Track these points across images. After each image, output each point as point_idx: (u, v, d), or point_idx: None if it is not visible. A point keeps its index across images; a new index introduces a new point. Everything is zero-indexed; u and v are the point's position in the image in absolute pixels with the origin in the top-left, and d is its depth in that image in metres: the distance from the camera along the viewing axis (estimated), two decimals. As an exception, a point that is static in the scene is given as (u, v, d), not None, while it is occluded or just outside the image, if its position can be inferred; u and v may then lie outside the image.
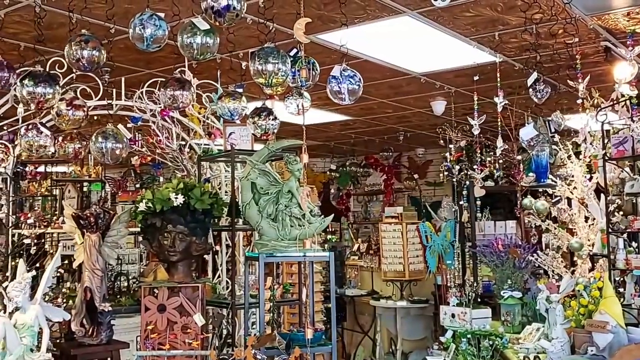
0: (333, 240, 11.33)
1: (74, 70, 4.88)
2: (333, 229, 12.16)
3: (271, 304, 4.75)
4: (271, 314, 4.75)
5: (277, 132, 6.41)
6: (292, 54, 4.37)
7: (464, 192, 6.36)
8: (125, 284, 5.90)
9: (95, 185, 9.07)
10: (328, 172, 13.54)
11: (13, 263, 4.34)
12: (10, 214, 4.64)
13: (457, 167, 6.81)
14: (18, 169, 4.75)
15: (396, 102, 8.50)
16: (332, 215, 4.61)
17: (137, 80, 5.85)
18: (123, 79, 5.33)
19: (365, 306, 8.76)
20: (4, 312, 3.61)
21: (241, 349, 3.76)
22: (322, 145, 12.45)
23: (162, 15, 3.81)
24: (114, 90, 5.44)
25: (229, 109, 4.67)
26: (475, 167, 6.31)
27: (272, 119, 4.56)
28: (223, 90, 4.84)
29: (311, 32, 5.42)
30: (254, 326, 5.08)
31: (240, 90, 4.83)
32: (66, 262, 5.00)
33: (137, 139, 5.50)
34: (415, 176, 12.81)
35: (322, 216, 4.44)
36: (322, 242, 10.50)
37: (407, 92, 7.84)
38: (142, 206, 4.47)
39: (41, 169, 6.12)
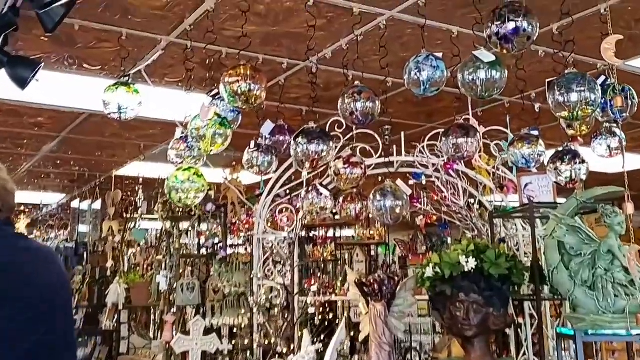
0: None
1: (354, 129, 4.88)
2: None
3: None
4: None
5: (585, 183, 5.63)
6: (599, 82, 3.72)
7: None
8: (418, 358, 5.58)
9: (383, 248, 9.07)
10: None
11: (299, 333, 4.31)
12: (296, 281, 4.68)
13: None
14: (303, 234, 4.76)
15: None
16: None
17: (418, 136, 5.66)
18: (402, 134, 5.17)
19: None
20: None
21: None
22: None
23: (439, 55, 3.53)
24: (394, 147, 5.30)
25: (523, 156, 4.16)
26: None
27: (579, 162, 3.89)
28: (515, 135, 4.33)
29: (618, 57, 4.66)
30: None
31: (536, 132, 4.28)
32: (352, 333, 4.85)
33: (420, 196, 5.24)
34: None
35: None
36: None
37: None
38: (429, 271, 4.11)
39: (329, 233, 6.22)
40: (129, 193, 8.00)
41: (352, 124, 3.62)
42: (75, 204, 9.51)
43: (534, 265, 4.31)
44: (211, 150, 3.49)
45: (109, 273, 8.26)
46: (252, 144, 4.31)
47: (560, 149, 4.09)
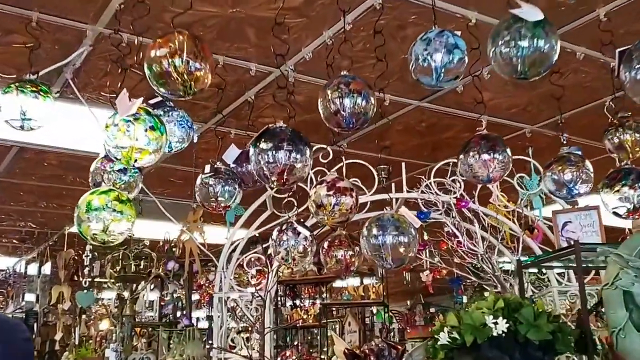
0: None
1: (343, 159, 3.89)
2: None
3: None
4: None
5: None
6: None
7: None
8: None
9: (378, 316, 8.01)
10: None
11: None
12: (269, 352, 3.56)
13: None
14: (279, 293, 3.68)
15: None
16: None
17: (421, 172, 4.66)
18: (403, 165, 4.17)
19: None
20: None
21: None
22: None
23: (458, 33, 2.57)
24: (393, 184, 4.31)
25: (564, 181, 3.17)
26: None
27: (645, 185, 2.90)
28: (554, 157, 3.34)
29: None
30: None
31: (579, 152, 3.31)
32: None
33: (425, 242, 4.21)
34: None
35: None
36: None
37: None
38: (443, 337, 3.06)
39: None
40: (81, 252, 6.91)
41: (337, 126, 2.61)
42: (23, 267, 8.37)
43: (584, 328, 3.25)
44: (135, 160, 2.47)
45: (57, 347, 7.08)
46: (208, 167, 3.28)
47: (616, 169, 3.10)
